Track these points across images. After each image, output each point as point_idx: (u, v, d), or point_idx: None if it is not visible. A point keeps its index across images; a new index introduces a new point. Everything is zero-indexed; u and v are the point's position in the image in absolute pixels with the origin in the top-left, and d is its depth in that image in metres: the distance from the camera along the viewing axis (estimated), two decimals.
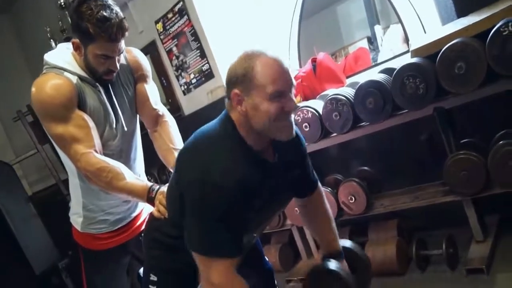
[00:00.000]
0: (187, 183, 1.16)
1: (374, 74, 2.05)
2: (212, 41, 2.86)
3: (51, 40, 3.64)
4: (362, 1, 2.81)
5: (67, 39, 3.37)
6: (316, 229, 1.50)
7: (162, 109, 1.72)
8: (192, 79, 3.05)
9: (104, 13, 1.38)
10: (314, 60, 2.49)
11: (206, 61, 2.91)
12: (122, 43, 1.47)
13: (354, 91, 2.03)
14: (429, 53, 1.79)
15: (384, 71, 2.05)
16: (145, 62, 1.68)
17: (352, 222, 2.38)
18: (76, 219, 1.69)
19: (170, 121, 1.72)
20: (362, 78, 2.36)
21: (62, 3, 3.46)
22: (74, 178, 1.62)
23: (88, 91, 1.51)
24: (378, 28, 2.73)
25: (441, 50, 1.74)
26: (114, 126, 1.57)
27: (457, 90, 1.71)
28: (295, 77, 2.50)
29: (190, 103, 3.15)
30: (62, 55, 1.52)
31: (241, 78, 1.12)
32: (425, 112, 1.85)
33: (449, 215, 2.09)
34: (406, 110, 1.87)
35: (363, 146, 2.40)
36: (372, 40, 2.77)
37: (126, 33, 1.45)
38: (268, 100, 1.10)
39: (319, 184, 1.47)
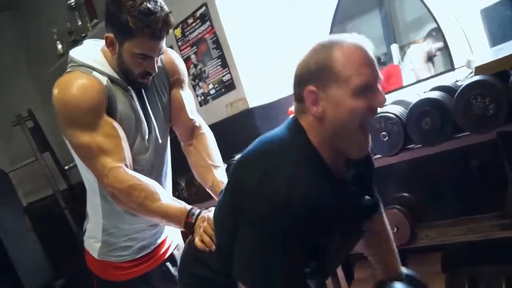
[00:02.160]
0: (251, 204, 0.92)
1: (425, 92, 1.86)
2: (235, 50, 2.66)
3: (58, 42, 3.43)
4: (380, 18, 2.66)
5: (74, 42, 3.20)
6: (378, 252, 1.29)
7: (199, 120, 1.51)
8: (211, 89, 2.84)
9: (148, 5, 1.18)
10: None
11: (228, 71, 2.70)
12: (164, 42, 1.26)
13: (403, 109, 1.84)
14: (494, 71, 1.60)
15: (437, 88, 1.86)
16: (183, 66, 1.48)
17: None
18: (93, 244, 1.44)
19: (207, 133, 1.50)
20: (399, 96, 2.19)
21: (72, 4, 3.27)
22: (94, 196, 1.38)
23: (119, 95, 1.29)
24: (394, 47, 2.57)
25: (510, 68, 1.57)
26: (147, 137, 1.35)
27: None
28: None
29: (207, 116, 2.89)
30: (91, 53, 1.31)
31: (316, 72, 0.92)
32: (489, 136, 1.66)
33: (500, 250, 1.89)
34: (467, 133, 1.68)
35: (403, 169, 2.20)
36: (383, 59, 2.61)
37: (171, 31, 1.24)
38: (351, 95, 0.90)
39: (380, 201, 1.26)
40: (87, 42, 1.38)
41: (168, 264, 1.55)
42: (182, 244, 1.63)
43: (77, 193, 3.17)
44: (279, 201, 0.86)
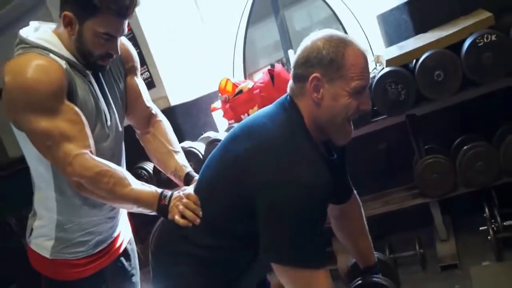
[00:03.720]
0: (269, 185, 0.98)
1: None
2: (154, 49, 2.66)
3: None
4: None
5: None
6: (353, 240, 1.42)
7: (155, 108, 1.50)
8: None
9: None
10: (271, 72, 2.47)
11: (146, 69, 2.68)
12: (127, 23, 1.25)
13: None
14: (403, 63, 1.91)
15: None
16: (135, 53, 1.46)
17: None
18: (44, 243, 1.33)
19: (164, 121, 1.50)
20: None
21: None
22: (48, 191, 1.29)
23: (77, 80, 1.23)
24: (291, 52, 2.80)
25: (413, 60, 1.88)
26: (108, 124, 1.31)
27: (435, 97, 1.84)
28: (252, 88, 2.45)
29: None
30: (44, 34, 1.23)
31: (327, 62, 1.00)
32: (399, 118, 1.96)
33: (410, 217, 2.22)
34: (384, 116, 1.95)
35: None
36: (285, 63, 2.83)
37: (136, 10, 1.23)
38: (350, 94, 1.01)
39: (354, 190, 1.40)
40: (33, 24, 1.28)
41: (122, 259, 1.49)
42: (133, 238, 1.59)
43: None
44: (303, 183, 0.95)
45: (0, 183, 3.35)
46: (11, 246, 3.14)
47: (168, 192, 1.23)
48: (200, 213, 1.13)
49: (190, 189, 1.21)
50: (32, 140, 1.19)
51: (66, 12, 1.18)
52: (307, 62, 1.03)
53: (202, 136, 2.57)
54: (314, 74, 1.01)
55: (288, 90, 1.10)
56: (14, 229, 3.04)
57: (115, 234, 1.46)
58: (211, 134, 2.50)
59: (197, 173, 1.30)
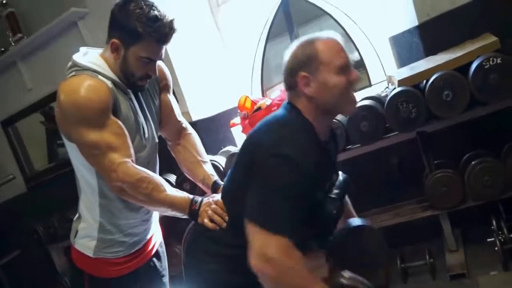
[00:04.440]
0: (268, 156, 1.13)
1: (359, 101, 2.24)
2: (177, 67, 2.82)
3: None
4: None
5: None
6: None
7: (185, 122, 1.67)
8: None
9: (156, 13, 1.33)
10: None
11: None
12: (164, 49, 1.41)
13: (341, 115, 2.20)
14: (414, 83, 2.04)
15: (367, 98, 2.25)
16: (168, 72, 1.63)
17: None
18: (87, 243, 1.49)
19: (194, 133, 1.67)
20: None
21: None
22: (92, 196, 1.45)
23: (121, 97, 1.40)
24: None
25: (424, 80, 2.01)
26: (145, 136, 1.47)
27: (444, 115, 1.96)
28: (270, 105, 2.59)
29: None
30: (92, 58, 1.40)
31: (306, 61, 1.18)
32: (410, 135, 2.09)
33: (420, 230, 2.32)
34: (396, 133, 2.08)
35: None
36: None
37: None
38: (336, 74, 1.17)
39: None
40: (83, 49, 1.45)
41: (154, 259, 1.64)
42: (163, 242, 1.73)
43: None
44: (291, 158, 1.10)
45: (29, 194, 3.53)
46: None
47: (198, 198, 1.39)
48: (227, 217, 1.29)
49: (218, 196, 1.36)
50: (82, 150, 1.35)
51: (114, 40, 1.35)
52: (291, 71, 1.21)
53: (222, 150, 2.72)
54: (300, 74, 1.18)
55: (286, 99, 1.27)
56: (42, 237, 3.19)
57: (149, 236, 1.60)
58: (230, 149, 2.64)
59: None
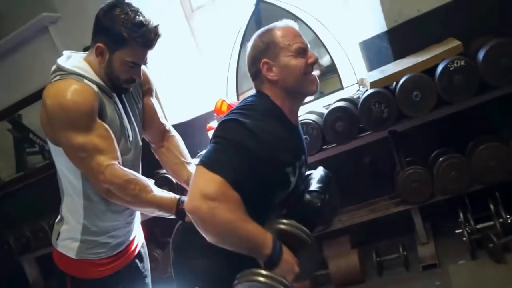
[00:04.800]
0: (229, 129, 1.18)
1: (334, 103, 2.32)
2: (152, 70, 2.83)
3: None
4: None
5: None
6: None
7: (168, 125, 1.69)
8: None
9: (141, 18, 1.36)
10: None
11: None
12: (149, 53, 1.44)
13: (317, 116, 2.28)
14: (385, 85, 2.15)
15: (341, 100, 2.34)
16: (152, 76, 1.65)
17: None
18: (70, 245, 1.49)
19: (177, 136, 1.70)
20: (307, 108, 2.63)
21: None
22: (76, 198, 1.45)
23: (106, 101, 1.42)
24: None
25: (394, 82, 2.13)
26: (130, 140, 1.49)
27: (414, 114, 2.08)
28: None
29: None
30: (77, 62, 1.41)
31: (266, 48, 1.25)
32: (382, 134, 2.19)
33: (394, 224, 2.43)
34: (370, 132, 2.18)
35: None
36: None
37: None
38: (295, 57, 1.24)
39: None
40: (66, 53, 1.46)
41: (136, 260, 1.65)
42: (145, 243, 1.74)
43: None
44: (247, 125, 1.16)
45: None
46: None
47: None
48: None
49: None
50: (69, 153, 1.36)
51: (99, 44, 1.37)
52: (254, 60, 1.28)
53: (199, 154, 2.75)
54: (263, 61, 1.25)
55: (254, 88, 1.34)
56: (13, 248, 3.10)
57: (131, 238, 1.62)
58: None
59: None
